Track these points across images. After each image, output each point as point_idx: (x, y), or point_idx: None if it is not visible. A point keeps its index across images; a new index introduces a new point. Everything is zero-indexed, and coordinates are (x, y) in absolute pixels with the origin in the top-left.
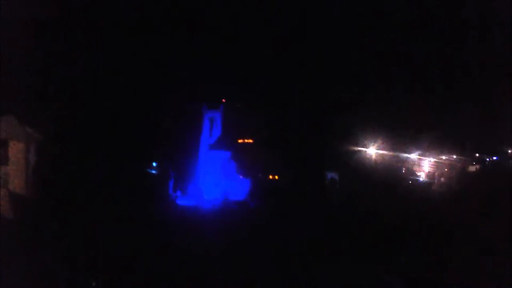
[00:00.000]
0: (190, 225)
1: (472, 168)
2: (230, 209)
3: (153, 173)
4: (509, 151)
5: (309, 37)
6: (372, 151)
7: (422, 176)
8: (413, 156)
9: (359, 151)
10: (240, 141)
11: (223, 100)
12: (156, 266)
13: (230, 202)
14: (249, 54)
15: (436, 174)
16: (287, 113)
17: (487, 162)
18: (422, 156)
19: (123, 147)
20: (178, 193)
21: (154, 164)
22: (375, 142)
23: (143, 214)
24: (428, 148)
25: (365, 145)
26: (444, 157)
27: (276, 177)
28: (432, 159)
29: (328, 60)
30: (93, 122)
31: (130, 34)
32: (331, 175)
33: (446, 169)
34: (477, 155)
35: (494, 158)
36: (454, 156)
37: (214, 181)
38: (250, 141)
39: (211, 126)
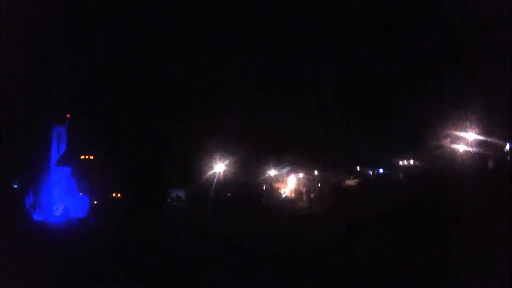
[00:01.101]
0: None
1: (350, 182)
2: (70, 226)
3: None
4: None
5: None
6: (221, 168)
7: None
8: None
9: (210, 168)
10: (82, 157)
11: (68, 115)
12: None
13: (71, 219)
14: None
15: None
16: (131, 130)
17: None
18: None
19: None
20: (37, 208)
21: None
22: (226, 159)
23: None
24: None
25: (216, 162)
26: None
27: (119, 195)
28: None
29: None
30: None
31: None
32: (176, 192)
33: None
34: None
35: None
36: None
37: (59, 197)
38: (91, 157)
39: (58, 142)
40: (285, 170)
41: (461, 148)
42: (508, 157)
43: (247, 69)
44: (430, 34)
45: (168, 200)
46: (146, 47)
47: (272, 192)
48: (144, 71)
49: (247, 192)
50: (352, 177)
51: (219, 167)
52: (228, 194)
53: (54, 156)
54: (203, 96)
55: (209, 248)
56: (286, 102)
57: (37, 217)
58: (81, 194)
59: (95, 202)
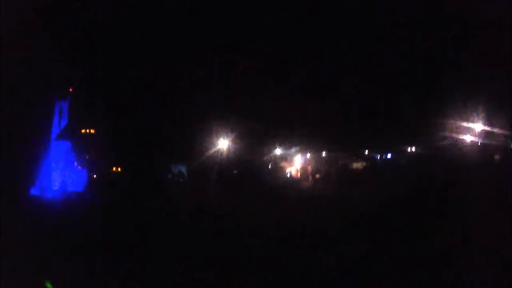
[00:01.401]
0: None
1: (357, 165)
2: (66, 200)
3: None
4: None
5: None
6: (225, 144)
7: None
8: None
9: (214, 144)
10: (82, 131)
11: (70, 90)
12: None
13: (68, 193)
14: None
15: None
16: (134, 105)
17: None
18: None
19: None
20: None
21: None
22: (231, 136)
23: None
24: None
25: (220, 138)
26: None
27: (119, 169)
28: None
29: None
30: None
31: None
32: (178, 168)
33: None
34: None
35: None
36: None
37: (58, 171)
38: (92, 131)
39: (60, 117)
40: (292, 150)
41: (468, 139)
42: None
43: (257, 44)
44: (439, 27)
45: (170, 175)
46: (150, 21)
47: (277, 171)
48: (147, 45)
49: (251, 170)
50: (359, 160)
51: (223, 144)
52: (234, 171)
53: (55, 130)
54: (210, 70)
55: (204, 224)
56: (297, 81)
57: (34, 191)
58: (80, 168)
59: (94, 176)
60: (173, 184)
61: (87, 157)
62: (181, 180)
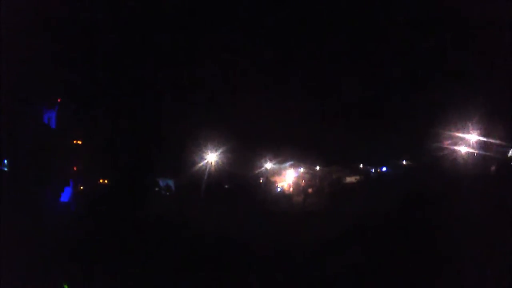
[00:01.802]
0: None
1: (351, 179)
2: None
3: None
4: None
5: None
6: (214, 158)
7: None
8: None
9: (202, 158)
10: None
11: (59, 100)
12: None
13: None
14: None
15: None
16: (122, 117)
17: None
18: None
19: None
20: None
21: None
22: (220, 149)
23: None
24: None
25: (209, 152)
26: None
27: (106, 181)
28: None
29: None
30: None
31: None
32: (166, 182)
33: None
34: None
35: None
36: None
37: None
38: (79, 142)
39: None
40: (285, 164)
41: (463, 150)
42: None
43: (250, 57)
44: (434, 33)
45: (156, 189)
46: (137, 34)
47: (269, 186)
48: (134, 58)
49: (240, 184)
50: (353, 174)
51: (213, 157)
52: (223, 185)
53: None
54: (198, 83)
55: (189, 236)
56: (289, 95)
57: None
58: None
59: (81, 187)
60: (158, 197)
61: (74, 168)
62: (168, 193)
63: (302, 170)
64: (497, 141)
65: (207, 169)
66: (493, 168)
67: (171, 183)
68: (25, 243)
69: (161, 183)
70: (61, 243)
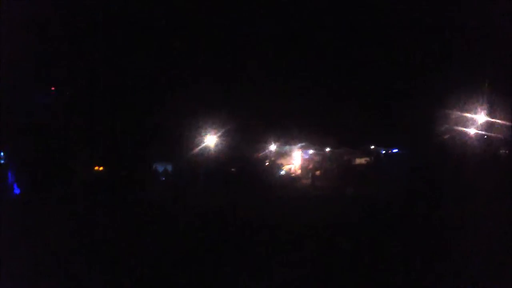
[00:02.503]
0: None
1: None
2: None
3: None
4: None
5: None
6: (216, 140)
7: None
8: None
9: (202, 141)
10: None
11: (52, 88)
12: None
13: None
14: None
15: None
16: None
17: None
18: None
19: None
20: None
21: None
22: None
23: None
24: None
25: (210, 134)
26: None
27: (101, 168)
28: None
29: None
30: None
31: None
32: (164, 166)
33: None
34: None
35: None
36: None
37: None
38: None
39: None
40: (293, 146)
41: (473, 132)
42: None
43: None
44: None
45: (153, 173)
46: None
47: (275, 168)
48: (129, 41)
49: (244, 167)
50: (363, 155)
51: (214, 139)
52: (224, 169)
53: None
54: (200, 62)
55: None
56: (297, 71)
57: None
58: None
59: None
60: (155, 183)
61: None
62: (164, 178)
63: (310, 151)
64: (508, 123)
65: (208, 152)
66: (502, 151)
67: (169, 167)
68: None
69: (159, 167)
70: None
